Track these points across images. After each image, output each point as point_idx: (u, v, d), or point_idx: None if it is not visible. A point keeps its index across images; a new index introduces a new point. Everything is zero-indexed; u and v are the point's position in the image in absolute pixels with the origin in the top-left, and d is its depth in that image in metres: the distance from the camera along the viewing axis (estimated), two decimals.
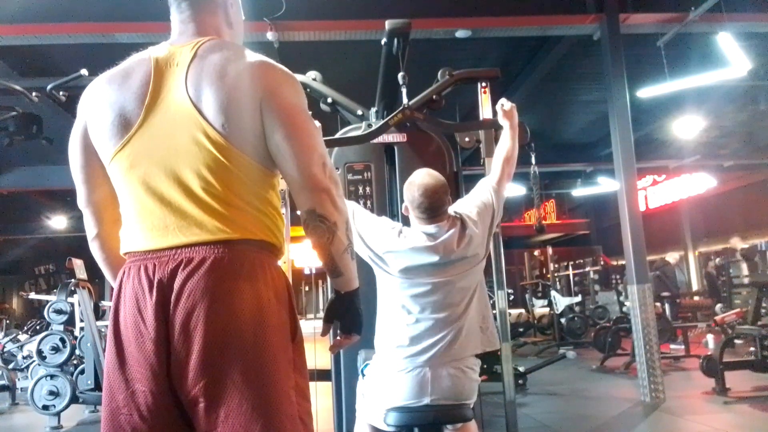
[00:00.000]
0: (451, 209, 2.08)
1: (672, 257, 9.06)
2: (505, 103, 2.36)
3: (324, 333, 1.39)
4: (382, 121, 2.99)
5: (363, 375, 2.07)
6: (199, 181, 1.16)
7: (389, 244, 1.97)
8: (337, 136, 2.94)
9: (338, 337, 1.35)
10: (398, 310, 1.95)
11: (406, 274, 1.94)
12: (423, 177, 2.01)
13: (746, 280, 8.67)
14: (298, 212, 1.27)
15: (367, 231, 2.03)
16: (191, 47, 1.24)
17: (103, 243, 1.35)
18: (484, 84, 3.19)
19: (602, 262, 12.49)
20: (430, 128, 2.99)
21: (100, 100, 1.24)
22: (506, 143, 2.29)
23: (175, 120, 1.18)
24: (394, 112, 2.74)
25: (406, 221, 2.11)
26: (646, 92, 6.33)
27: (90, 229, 1.36)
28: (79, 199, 1.34)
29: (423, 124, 3.00)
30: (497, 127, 2.39)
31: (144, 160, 1.19)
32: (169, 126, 1.18)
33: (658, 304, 6.65)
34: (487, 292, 2.12)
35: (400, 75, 2.72)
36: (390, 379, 1.90)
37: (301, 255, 6.54)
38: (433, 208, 1.97)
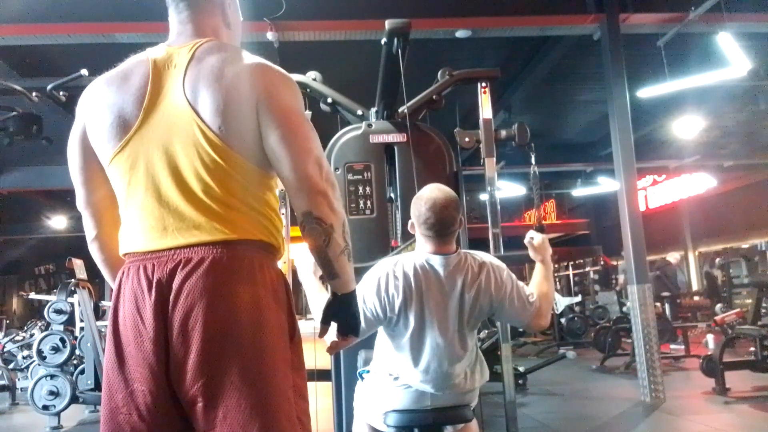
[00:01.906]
0: (479, 254, 1.92)
1: (673, 257, 9.03)
2: (534, 237, 2.07)
3: (321, 334, 1.39)
4: (382, 120, 2.99)
5: (362, 378, 2.06)
6: (197, 182, 1.16)
7: (393, 306, 1.80)
8: (337, 135, 2.94)
9: (336, 339, 1.35)
10: (395, 349, 1.86)
11: (407, 327, 1.82)
12: (432, 191, 1.83)
13: (746, 280, 8.68)
14: (296, 214, 1.27)
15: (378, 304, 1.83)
16: (189, 49, 1.24)
17: (102, 244, 1.36)
18: (484, 84, 3.20)
19: (602, 262, 12.48)
20: (430, 128, 2.99)
21: (98, 102, 1.24)
22: (542, 284, 1.99)
23: (172, 122, 1.19)
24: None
25: (406, 230, 1.99)
26: (646, 92, 6.32)
27: (89, 230, 1.36)
28: (78, 200, 1.34)
29: (422, 123, 3.00)
30: (529, 261, 2.12)
31: (142, 161, 1.19)
32: (167, 128, 1.19)
33: (657, 304, 6.65)
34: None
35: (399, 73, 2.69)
36: (389, 393, 1.88)
37: (300, 255, 6.53)
38: (442, 224, 1.79)
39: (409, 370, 1.82)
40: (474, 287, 1.83)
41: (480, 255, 1.92)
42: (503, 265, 1.94)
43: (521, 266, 14.90)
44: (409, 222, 1.90)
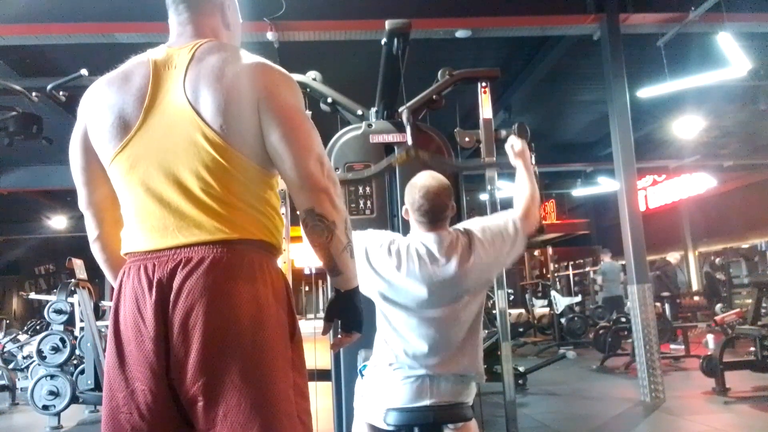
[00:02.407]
0: (461, 225, 1.98)
1: (673, 257, 9.04)
2: (515, 143, 2.18)
3: (325, 332, 1.39)
4: (382, 120, 2.99)
5: (362, 375, 2.07)
6: (198, 181, 1.17)
7: (386, 270, 1.86)
8: (337, 135, 2.94)
9: (339, 336, 1.35)
10: (394, 330, 1.89)
11: (402, 306, 1.88)
12: (425, 179, 1.92)
13: (746, 280, 8.68)
14: (298, 212, 1.28)
15: (377, 262, 1.89)
16: (189, 49, 1.25)
17: (104, 244, 1.36)
18: (484, 84, 3.19)
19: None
20: (430, 128, 2.99)
21: (99, 103, 1.25)
22: (525, 186, 2.07)
23: (173, 121, 1.19)
24: (399, 153, 2.73)
25: (406, 225, 2.05)
26: (646, 92, 6.33)
27: (91, 230, 1.36)
28: (80, 201, 1.35)
29: (422, 123, 3.00)
30: (509, 168, 2.20)
31: (143, 161, 1.20)
32: (168, 127, 1.19)
33: (657, 304, 6.65)
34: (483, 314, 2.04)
35: (399, 70, 2.70)
36: (389, 385, 1.89)
37: (301, 255, 6.54)
38: (435, 211, 1.88)
39: (405, 348, 1.85)
40: (469, 262, 1.86)
41: (463, 227, 1.98)
42: (484, 221, 2.00)
43: (520, 266, 14.91)
44: (404, 208, 1.98)
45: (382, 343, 1.93)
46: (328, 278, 1.34)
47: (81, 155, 1.30)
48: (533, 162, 2.36)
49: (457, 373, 1.87)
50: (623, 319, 7.07)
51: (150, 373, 1.12)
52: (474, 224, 1.98)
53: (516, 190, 2.10)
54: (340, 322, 1.33)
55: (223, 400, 1.10)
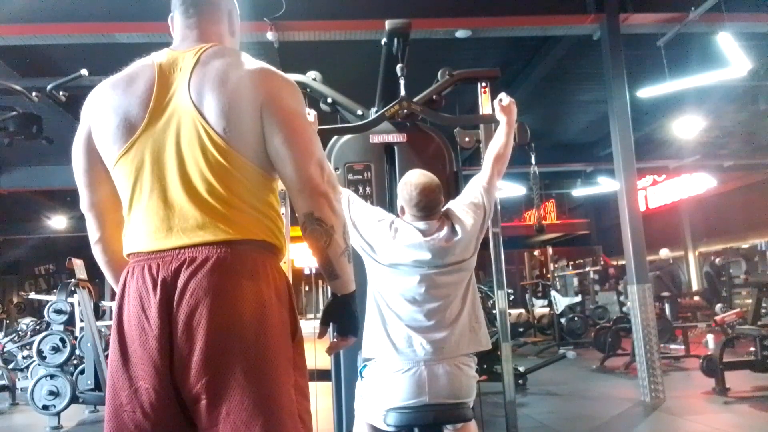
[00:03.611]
0: (445, 210, 2.09)
1: (664, 253, 8.92)
2: (503, 98, 2.33)
3: (321, 335, 1.41)
4: (381, 119, 2.99)
5: (362, 377, 2.07)
6: (201, 183, 1.18)
7: (381, 236, 1.99)
8: (337, 135, 2.94)
9: (335, 339, 1.36)
10: (388, 310, 1.95)
11: (396, 269, 1.95)
12: (418, 177, 2.03)
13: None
14: (298, 215, 1.29)
15: (361, 220, 2.05)
16: (194, 53, 1.27)
17: (105, 246, 1.37)
18: (484, 84, 3.19)
19: (602, 262, 12.48)
20: (430, 128, 2.99)
21: (104, 105, 1.26)
22: (500, 139, 2.27)
23: (178, 124, 1.21)
24: (392, 104, 2.75)
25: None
26: (646, 92, 6.33)
27: (93, 232, 1.37)
28: (82, 202, 1.36)
29: (422, 123, 3.00)
30: (495, 122, 2.36)
31: (148, 162, 1.21)
32: (173, 129, 1.21)
33: (656, 303, 6.65)
34: (481, 293, 2.10)
35: (398, 66, 2.72)
36: (387, 380, 1.90)
37: (301, 255, 6.54)
38: (429, 207, 2.00)
39: (398, 328, 1.91)
40: (456, 233, 2.00)
41: (448, 208, 2.11)
42: (461, 196, 2.17)
43: (522, 251, 14.88)
44: (399, 206, 2.09)
45: (375, 330, 1.96)
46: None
47: (84, 157, 1.31)
48: (533, 161, 2.40)
49: (452, 357, 1.90)
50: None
51: (154, 371, 1.13)
52: (452, 205, 2.13)
53: (490, 145, 2.30)
54: (336, 325, 1.35)
55: (226, 399, 1.12)
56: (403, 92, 2.76)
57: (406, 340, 1.89)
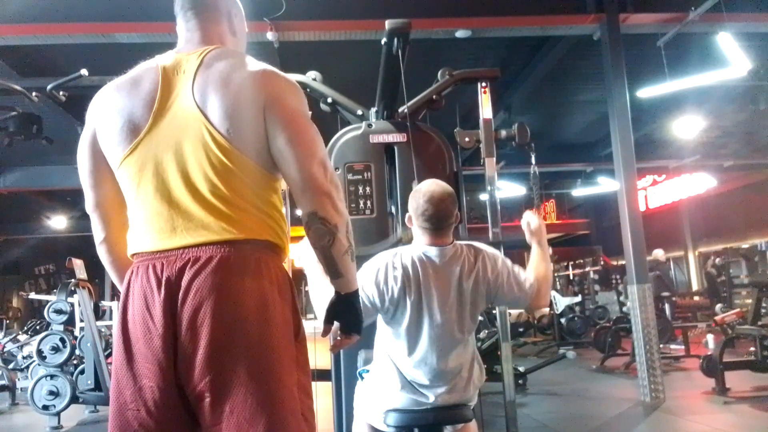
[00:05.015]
0: (473, 245, 1.93)
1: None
2: (531, 219, 2.07)
3: (324, 334, 1.41)
4: (382, 120, 2.99)
5: (361, 378, 2.06)
6: (205, 183, 1.20)
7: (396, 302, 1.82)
8: (337, 135, 2.94)
9: (338, 338, 1.37)
10: (394, 342, 1.87)
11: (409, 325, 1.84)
12: (429, 185, 1.88)
13: (746, 281, 8.65)
14: (298, 212, 1.29)
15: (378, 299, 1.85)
16: (198, 55, 1.29)
17: (110, 247, 1.39)
18: (484, 84, 3.20)
19: (602, 262, 12.48)
20: (430, 128, 2.99)
21: (109, 107, 1.28)
22: (540, 266, 1.99)
23: (182, 125, 1.22)
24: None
25: (405, 227, 2.04)
26: (646, 92, 6.33)
27: (97, 233, 1.39)
28: (87, 203, 1.37)
29: (422, 123, 3.00)
30: (526, 247, 2.10)
31: (152, 163, 1.23)
32: (177, 131, 1.22)
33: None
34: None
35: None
36: (389, 393, 1.88)
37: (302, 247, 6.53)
38: (440, 217, 1.83)
39: (405, 362, 1.83)
40: (472, 276, 1.85)
41: (475, 244, 1.95)
42: (498, 253, 1.97)
43: (522, 251, 14.90)
44: (407, 215, 1.94)
45: (382, 353, 1.91)
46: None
47: (89, 159, 1.33)
48: (534, 164, 2.33)
49: (459, 403, 1.85)
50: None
51: (158, 369, 1.14)
52: (488, 249, 1.94)
53: (529, 268, 2.00)
54: (339, 324, 1.35)
55: (229, 397, 1.13)
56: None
57: (407, 368, 1.84)
